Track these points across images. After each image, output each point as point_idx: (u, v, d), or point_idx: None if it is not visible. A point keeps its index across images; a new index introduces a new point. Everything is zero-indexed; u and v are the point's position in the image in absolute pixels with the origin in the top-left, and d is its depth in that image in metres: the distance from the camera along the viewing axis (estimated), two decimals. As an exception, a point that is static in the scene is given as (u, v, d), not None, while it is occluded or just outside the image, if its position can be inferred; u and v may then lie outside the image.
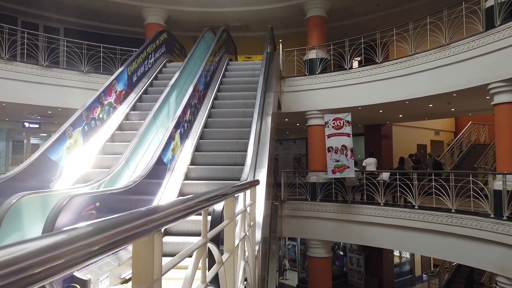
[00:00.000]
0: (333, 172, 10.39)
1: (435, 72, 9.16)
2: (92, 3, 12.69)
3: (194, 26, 14.32)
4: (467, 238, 8.17)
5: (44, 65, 10.17)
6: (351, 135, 10.38)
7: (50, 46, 10.51)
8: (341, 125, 10.31)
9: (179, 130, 6.28)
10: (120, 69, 8.15)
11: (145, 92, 8.75)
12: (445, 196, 8.70)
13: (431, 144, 18.43)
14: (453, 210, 8.50)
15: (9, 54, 9.59)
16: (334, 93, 11.22)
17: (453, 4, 8.94)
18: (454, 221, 8.37)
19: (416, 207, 9.24)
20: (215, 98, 8.37)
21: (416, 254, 16.40)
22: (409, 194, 9.42)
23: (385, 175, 10.59)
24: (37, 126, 14.33)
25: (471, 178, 8.54)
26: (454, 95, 9.41)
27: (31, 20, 13.52)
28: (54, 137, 5.71)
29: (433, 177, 9.28)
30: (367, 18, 13.87)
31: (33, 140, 15.16)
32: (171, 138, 5.90)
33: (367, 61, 10.80)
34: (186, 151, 6.51)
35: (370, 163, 11.39)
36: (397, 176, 9.84)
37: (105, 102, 7.25)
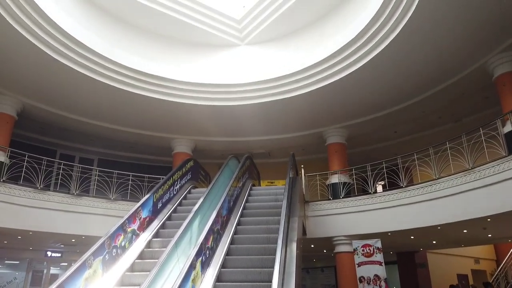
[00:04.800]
0: (368, 306, 9.41)
1: (463, 196, 8.82)
2: (127, 137, 13.74)
3: (219, 153, 15.07)
4: None
5: (75, 194, 10.53)
6: (383, 263, 9.66)
7: (83, 175, 11.06)
8: (371, 252, 9.71)
9: (200, 258, 6.03)
10: (146, 196, 8.31)
11: (169, 218, 8.74)
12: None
13: (472, 274, 16.87)
14: None
15: (43, 184, 10.07)
16: (360, 218, 10.84)
17: (471, 130, 9.14)
18: None
19: None
20: (238, 224, 8.23)
21: None
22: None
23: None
24: (59, 255, 14.16)
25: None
26: (489, 220, 8.90)
27: (68, 153, 14.57)
28: (73, 267, 5.53)
29: (482, 312, 8.23)
30: (386, 144, 14.28)
31: (53, 270, 14.82)
32: (191, 267, 5.62)
33: (391, 185, 10.66)
34: (207, 281, 6.12)
35: None
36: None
37: (129, 230, 7.21)
